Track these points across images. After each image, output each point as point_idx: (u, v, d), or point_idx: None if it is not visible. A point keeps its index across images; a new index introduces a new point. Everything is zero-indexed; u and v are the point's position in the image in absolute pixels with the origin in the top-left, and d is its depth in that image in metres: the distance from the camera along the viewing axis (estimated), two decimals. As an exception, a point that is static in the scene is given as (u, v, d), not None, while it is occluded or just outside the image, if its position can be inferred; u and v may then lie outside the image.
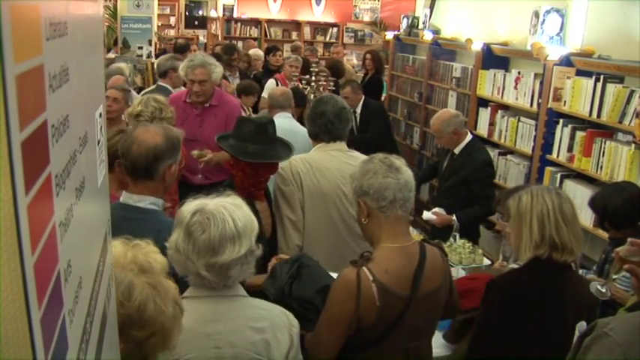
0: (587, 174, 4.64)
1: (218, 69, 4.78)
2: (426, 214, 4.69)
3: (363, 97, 6.70)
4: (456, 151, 4.87)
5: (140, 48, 9.36)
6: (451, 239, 4.14)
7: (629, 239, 2.65)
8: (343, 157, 3.42)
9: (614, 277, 3.00)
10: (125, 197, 2.59)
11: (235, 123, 3.20)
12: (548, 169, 5.04)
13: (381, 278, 2.27)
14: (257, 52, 9.50)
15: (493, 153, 5.62)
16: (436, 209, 4.70)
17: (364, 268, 2.28)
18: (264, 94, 6.77)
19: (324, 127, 3.43)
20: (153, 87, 6.32)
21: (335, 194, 3.32)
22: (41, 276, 0.82)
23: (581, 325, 2.96)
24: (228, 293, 2.09)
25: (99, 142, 1.52)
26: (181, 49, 8.91)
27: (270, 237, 3.22)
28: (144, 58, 8.91)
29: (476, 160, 4.77)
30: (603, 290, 2.72)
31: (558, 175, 4.90)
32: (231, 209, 2.03)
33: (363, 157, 2.74)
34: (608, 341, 1.73)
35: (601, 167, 4.47)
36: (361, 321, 2.29)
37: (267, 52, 9.41)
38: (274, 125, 3.16)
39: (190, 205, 2.06)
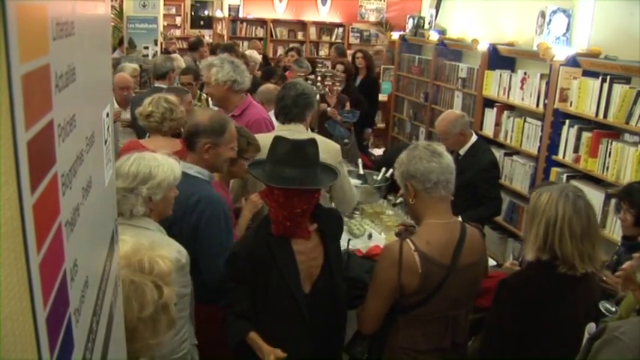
0: (593, 175, 4.62)
1: (224, 69, 4.29)
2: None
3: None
4: (461, 152, 4.85)
5: (146, 48, 9.36)
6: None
7: (634, 255, 2.64)
8: (290, 135, 3.47)
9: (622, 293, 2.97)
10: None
11: (271, 143, 2.68)
12: (554, 170, 5.03)
13: (422, 248, 2.55)
14: (252, 55, 8.66)
15: (499, 153, 5.61)
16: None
17: (407, 240, 2.58)
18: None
19: (282, 109, 3.90)
20: (145, 90, 6.20)
21: None
22: (47, 275, 0.83)
23: (591, 327, 2.95)
24: (135, 223, 2.59)
25: (106, 142, 1.52)
26: (194, 45, 8.95)
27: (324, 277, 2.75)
28: (150, 57, 8.92)
29: (481, 161, 4.75)
30: (613, 309, 2.73)
31: (564, 176, 4.89)
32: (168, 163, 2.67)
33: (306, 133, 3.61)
34: (619, 345, 1.72)
35: (607, 168, 4.45)
36: (404, 287, 2.55)
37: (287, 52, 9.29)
38: (316, 145, 2.64)
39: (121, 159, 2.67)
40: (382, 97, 8.95)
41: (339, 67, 7.25)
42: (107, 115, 1.50)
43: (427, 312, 2.61)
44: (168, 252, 2.36)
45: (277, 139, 2.64)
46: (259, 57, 9.05)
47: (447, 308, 2.62)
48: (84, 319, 1.14)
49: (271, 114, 4.73)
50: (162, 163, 2.66)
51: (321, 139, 3.92)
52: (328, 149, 3.61)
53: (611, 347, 1.76)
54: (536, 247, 2.49)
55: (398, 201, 5.12)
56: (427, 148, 2.64)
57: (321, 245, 2.69)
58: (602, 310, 2.64)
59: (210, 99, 5.12)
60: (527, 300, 2.49)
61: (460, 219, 4.52)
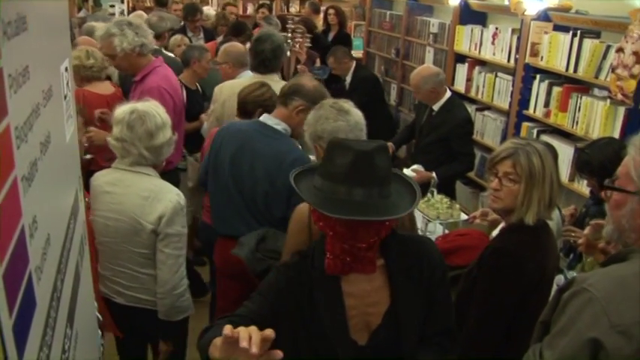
0: (563, 129, 4.65)
1: (127, 36, 3.99)
2: (406, 172, 4.68)
3: (355, 64, 6.60)
4: (435, 107, 4.86)
5: (112, 6, 9.12)
6: (429, 195, 4.15)
7: (591, 222, 2.66)
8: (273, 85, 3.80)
9: (588, 260, 3.00)
10: (265, 117, 3.16)
11: (326, 149, 1.92)
12: (525, 125, 5.05)
13: None
14: (208, 12, 8.58)
15: (470, 109, 5.61)
16: (415, 166, 4.69)
17: None
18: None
19: (262, 62, 4.12)
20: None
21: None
22: (3, 230, 0.80)
23: (559, 279, 3.00)
24: (138, 170, 2.80)
25: (66, 97, 1.48)
26: (162, 1, 8.71)
27: None
28: (116, 16, 8.71)
29: (456, 117, 4.77)
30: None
31: (535, 131, 4.91)
32: (155, 107, 2.82)
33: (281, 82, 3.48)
34: (587, 296, 1.73)
35: (577, 122, 4.47)
36: None
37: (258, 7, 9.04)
38: (387, 152, 1.88)
39: (124, 108, 2.79)
40: (355, 53, 8.88)
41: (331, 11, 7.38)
42: (66, 69, 1.45)
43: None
44: (169, 194, 2.76)
45: (335, 145, 1.85)
46: (213, 13, 8.87)
47: None
48: (47, 277, 1.12)
49: (247, 73, 4.67)
50: (165, 123, 2.83)
51: None
52: None
53: (579, 298, 1.76)
54: (542, 207, 2.41)
55: None
56: (333, 107, 2.57)
57: (387, 287, 1.96)
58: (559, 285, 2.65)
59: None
60: (528, 266, 2.37)
61: (434, 174, 4.59)
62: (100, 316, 2.34)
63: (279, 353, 1.48)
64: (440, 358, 2.00)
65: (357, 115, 2.58)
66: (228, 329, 1.44)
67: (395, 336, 1.96)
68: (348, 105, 2.60)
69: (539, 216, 2.39)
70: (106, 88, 4.43)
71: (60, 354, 1.20)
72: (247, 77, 4.35)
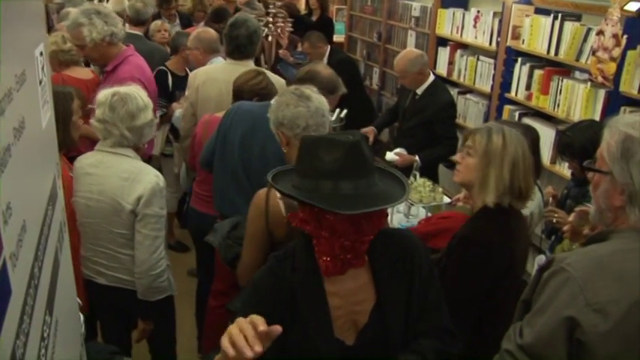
0: (544, 112, 4.67)
1: (97, 25, 3.89)
2: (389, 155, 4.69)
3: (329, 49, 6.54)
4: (419, 91, 4.86)
5: (91, -9, 8.98)
6: (411, 178, 4.15)
7: (576, 209, 2.68)
8: (239, 70, 3.78)
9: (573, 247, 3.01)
10: None
11: (301, 146, 1.81)
12: (507, 108, 5.07)
13: None
14: None
15: (452, 92, 5.62)
16: (398, 150, 4.69)
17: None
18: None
19: (237, 48, 4.05)
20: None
21: (227, 102, 3.64)
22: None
23: (540, 259, 3.02)
24: (119, 152, 2.87)
25: (41, 82, 1.45)
26: None
27: None
28: (95, 1, 8.58)
29: (439, 101, 4.78)
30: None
31: (517, 114, 4.94)
32: (137, 90, 2.90)
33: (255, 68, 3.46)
34: (565, 276, 1.75)
35: (558, 105, 4.50)
36: (273, 235, 2.48)
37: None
38: (367, 142, 1.98)
39: (106, 91, 2.87)
40: (337, 37, 8.83)
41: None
42: (41, 54, 1.42)
43: None
44: (147, 176, 2.82)
45: (315, 141, 1.76)
46: None
47: None
48: (23, 264, 1.10)
49: (217, 59, 4.63)
50: (147, 105, 2.89)
51: (276, 79, 3.89)
52: None
53: (558, 278, 1.79)
54: (500, 190, 2.40)
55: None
56: (294, 93, 2.57)
57: (372, 284, 1.89)
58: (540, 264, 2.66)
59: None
60: (496, 253, 2.36)
61: (417, 158, 4.60)
62: (79, 301, 2.34)
63: (278, 328, 1.47)
64: (435, 354, 1.92)
65: (319, 100, 2.57)
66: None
67: (383, 333, 1.89)
68: (309, 91, 2.59)
69: (500, 200, 2.36)
70: (85, 73, 4.39)
71: (39, 342, 1.19)
72: (223, 63, 4.33)
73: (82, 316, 2.28)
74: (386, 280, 1.89)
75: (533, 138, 3.10)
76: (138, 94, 2.88)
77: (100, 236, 2.88)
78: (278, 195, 2.45)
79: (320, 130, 2.54)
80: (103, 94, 2.85)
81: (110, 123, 2.80)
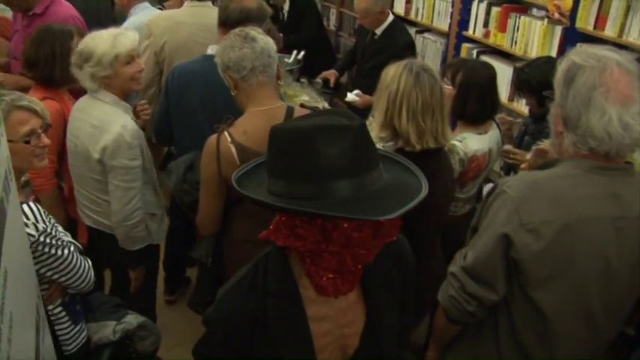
0: (502, 49, 4.66)
1: None
2: (350, 96, 4.66)
3: None
4: (378, 32, 4.79)
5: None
6: (370, 117, 4.13)
7: (533, 147, 2.75)
8: (204, 11, 3.82)
9: None
10: (211, 50, 3.10)
11: (283, 140, 1.38)
12: (465, 46, 5.04)
13: (239, 139, 2.47)
14: None
15: (411, 31, 5.55)
16: (356, 91, 4.66)
17: (224, 132, 2.49)
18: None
19: None
20: None
21: (193, 42, 3.66)
22: None
23: (488, 186, 3.10)
24: (95, 96, 2.87)
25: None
26: None
27: None
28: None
29: (399, 41, 4.72)
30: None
31: (475, 51, 4.92)
32: (100, 33, 2.86)
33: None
34: (504, 197, 1.85)
35: (515, 42, 4.49)
36: (227, 180, 2.44)
37: None
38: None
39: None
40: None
41: None
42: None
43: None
44: (114, 126, 2.79)
45: (309, 133, 1.32)
46: None
47: None
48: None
49: (144, 5, 4.48)
50: (103, 39, 2.82)
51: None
52: None
53: (499, 200, 1.87)
54: (379, 123, 2.51)
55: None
56: (239, 35, 2.55)
57: (362, 300, 1.60)
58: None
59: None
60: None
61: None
62: (79, 245, 2.44)
63: None
64: None
65: (264, 41, 2.55)
66: None
67: (376, 355, 1.63)
68: (255, 32, 2.57)
69: (387, 135, 2.49)
70: None
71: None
72: (184, 7, 4.08)
73: (89, 262, 2.44)
74: (377, 294, 1.60)
75: (491, 75, 3.10)
76: (100, 34, 2.87)
77: (83, 180, 2.96)
78: (229, 139, 2.45)
79: (267, 70, 2.52)
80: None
81: (76, 66, 2.83)
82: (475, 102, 2.99)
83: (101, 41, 2.82)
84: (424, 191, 1.37)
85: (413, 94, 2.45)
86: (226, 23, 3.10)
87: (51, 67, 3.07)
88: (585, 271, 1.82)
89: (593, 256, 1.81)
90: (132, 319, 2.68)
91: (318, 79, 5.31)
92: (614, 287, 1.86)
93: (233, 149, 2.47)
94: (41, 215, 2.22)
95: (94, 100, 2.88)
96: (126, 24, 4.18)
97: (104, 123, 2.81)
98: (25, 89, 3.00)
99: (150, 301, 3.38)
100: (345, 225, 1.33)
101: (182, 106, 3.10)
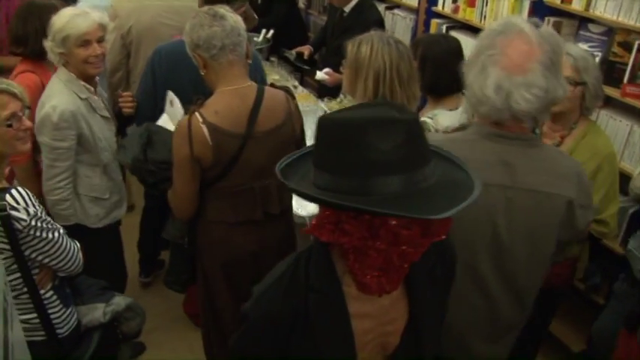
0: (471, 24, 4.67)
1: None
2: (319, 74, 4.65)
3: None
4: (347, 9, 4.77)
5: None
6: (341, 96, 4.15)
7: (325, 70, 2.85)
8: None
9: None
10: None
11: (332, 132, 1.30)
12: (435, 22, 5.04)
13: (211, 119, 2.46)
14: None
15: (380, 8, 5.54)
16: (326, 70, 4.65)
17: (195, 113, 2.46)
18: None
19: None
20: None
21: (160, 24, 3.70)
22: None
23: None
24: (58, 73, 2.88)
25: None
26: None
27: None
28: None
29: (368, 19, 4.68)
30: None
31: (444, 27, 4.92)
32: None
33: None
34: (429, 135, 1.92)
35: (485, 17, 4.50)
36: (201, 161, 2.49)
37: None
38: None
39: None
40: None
41: None
42: None
43: (230, 184, 2.58)
44: (47, 104, 2.81)
45: (361, 126, 1.25)
46: None
47: (252, 179, 2.60)
48: None
49: None
50: (62, 16, 2.86)
51: None
52: None
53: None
54: (366, 100, 2.51)
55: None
56: (208, 13, 2.52)
57: (405, 296, 1.54)
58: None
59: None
60: None
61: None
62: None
63: None
64: None
65: (234, 19, 2.53)
66: None
67: (416, 353, 1.58)
68: (224, 10, 2.54)
69: None
70: None
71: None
72: None
73: (77, 244, 2.49)
74: (421, 291, 1.55)
75: (450, 48, 3.09)
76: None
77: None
78: (200, 120, 2.43)
79: (237, 49, 2.50)
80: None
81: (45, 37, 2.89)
82: (431, 75, 2.98)
83: (59, 18, 2.84)
84: (477, 189, 1.30)
85: (401, 67, 2.50)
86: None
87: (41, 42, 3.00)
88: (473, 231, 1.84)
89: (481, 220, 1.84)
90: (120, 301, 2.69)
91: (292, 52, 5.30)
92: (508, 261, 1.89)
93: (205, 130, 2.45)
94: (31, 199, 2.25)
95: (54, 74, 2.95)
96: (81, 3, 4.04)
97: (45, 98, 2.88)
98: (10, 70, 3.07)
99: (119, 284, 3.32)
100: (394, 222, 1.26)
101: (170, 87, 3.02)
